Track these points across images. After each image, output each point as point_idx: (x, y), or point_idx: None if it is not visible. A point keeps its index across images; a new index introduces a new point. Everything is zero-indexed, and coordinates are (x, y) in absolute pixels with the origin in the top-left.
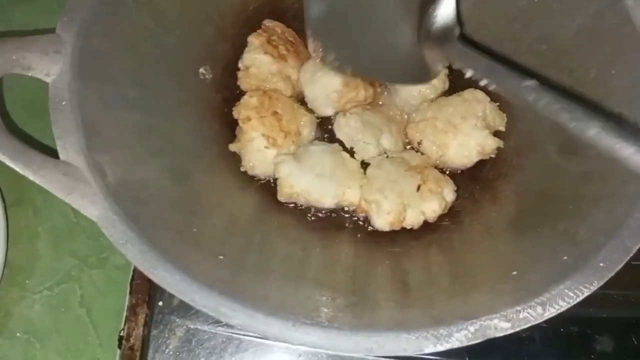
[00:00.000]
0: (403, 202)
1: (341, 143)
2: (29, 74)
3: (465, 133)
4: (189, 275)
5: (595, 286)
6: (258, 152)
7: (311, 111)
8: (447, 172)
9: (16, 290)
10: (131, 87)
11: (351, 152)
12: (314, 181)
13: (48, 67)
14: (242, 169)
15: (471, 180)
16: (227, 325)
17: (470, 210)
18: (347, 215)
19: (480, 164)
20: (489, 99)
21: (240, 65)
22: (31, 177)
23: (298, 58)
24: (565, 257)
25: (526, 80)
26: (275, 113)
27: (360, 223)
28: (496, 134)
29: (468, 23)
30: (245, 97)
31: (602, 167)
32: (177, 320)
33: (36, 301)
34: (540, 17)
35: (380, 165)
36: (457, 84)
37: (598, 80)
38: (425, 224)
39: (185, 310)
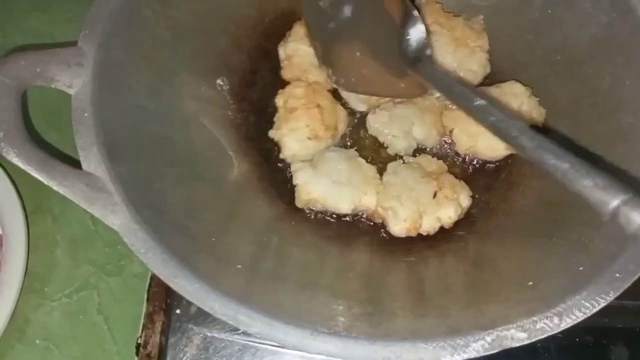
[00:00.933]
0: (419, 209)
1: (374, 140)
2: (52, 86)
3: None
4: (208, 284)
5: (611, 297)
6: (300, 142)
7: (345, 106)
8: (471, 170)
9: (35, 298)
10: (149, 98)
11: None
12: (330, 187)
13: (70, 79)
14: (281, 156)
15: (486, 190)
16: (244, 333)
17: (486, 219)
18: (363, 221)
19: (496, 173)
20: (529, 93)
21: (281, 53)
22: (55, 188)
23: None
24: (581, 268)
25: (477, 100)
26: (318, 106)
27: (376, 232)
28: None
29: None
30: (291, 86)
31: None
32: (195, 328)
33: (54, 308)
34: (553, 27)
35: (397, 172)
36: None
37: (611, 90)
38: (441, 234)
39: (203, 318)
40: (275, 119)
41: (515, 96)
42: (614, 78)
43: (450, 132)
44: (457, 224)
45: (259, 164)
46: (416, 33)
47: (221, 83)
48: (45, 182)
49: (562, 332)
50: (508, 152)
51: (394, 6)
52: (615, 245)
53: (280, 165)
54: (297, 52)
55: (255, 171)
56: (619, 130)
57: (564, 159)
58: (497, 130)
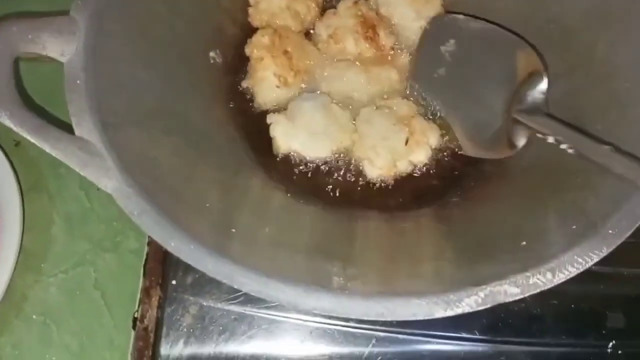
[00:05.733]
0: (393, 157)
1: None
2: (44, 53)
3: None
4: (203, 245)
5: (604, 252)
6: (270, 90)
7: (317, 46)
8: None
9: (32, 274)
10: (143, 68)
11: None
12: (308, 139)
13: (62, 47)
14: (255, 105)
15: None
16: (240, 302)
17: (480, 185)
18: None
19: None
20: None
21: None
22: (48, 150)
23: None
24: (574, 227)
25: (602, 146)
26: (286, 52)
27: (371, 199)
28: None
29: (477, 5)
30: (257, 35)
31: (609, 140)
32: (191, 298)
33: (51, 284)
34: None
35: (370, 120)
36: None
37: (606, 58)
38: (437, 200)
39: (199, 288)
40: (248, 68)
41: None
42: (609, 45)
43: None
44: (453, 190)
45: (253, 134)
46: (537, 91)
47: (214, 56)
48: (38, 144)
49: (557, 299)
50: None
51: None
52: (609, 205)
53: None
54: None
55: (249, 141)
56: (614, 97)
57: None
58: (628, 175)
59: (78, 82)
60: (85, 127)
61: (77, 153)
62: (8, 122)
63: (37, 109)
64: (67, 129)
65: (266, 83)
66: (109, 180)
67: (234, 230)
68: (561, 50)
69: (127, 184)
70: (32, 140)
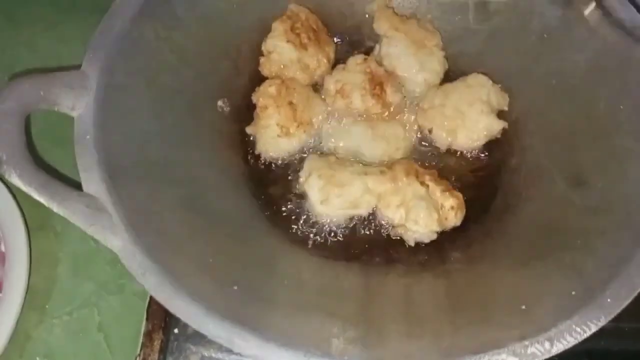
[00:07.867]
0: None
1: None
2: (55, 109)
3: (473, 119)
4: (204, 306)
5: (602, 322)
6: (272, 139)
7: (324, 100)
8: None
9: (36, 314)
10: (151, 119)
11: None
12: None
13: (73, 102)
14: (256, 152)
15: (482, 212)
16: (240, 354)
17: (481, 241)
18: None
19: (492, 195)
20: (491, 82)
21: (263, 49)
22: (55, 210)
23: (319, 46)
24: (574, 292)
25: None
26: (290, 103)
27: (371, 255)
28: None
29: (479, 58)
30: (265, 85)
31: (607, 200)
32: (192, 347)
33: (55, 325)
34: (550, 52)
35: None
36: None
37: (606, 114)
38: (437, 255)
39: (200, 337)
40: (254, 115)
41: (482, 86)
42: (609, 102)
43: (430, 131)
44: (454, 244)
45: (257, 184)
46: None
47: (222, 105)
48: (46, 204)
49: (559, 354)
50: (487, 139)
51: None
52: (608, 271)
53: (281, 191)
54: (275, 48)
55: (251, 191)
56: (614, 153)
57: None
58: None
59: (88, 137)
60: (92, 182)
61: (84, 211)
62: (17, 181)
63: (44, 157)
64: (73, 182)
65: (268, 132)
66: (114, 237)
67: (235, 287)
68: (562, 105)
69: (132, 242)
70: (40, 200)
